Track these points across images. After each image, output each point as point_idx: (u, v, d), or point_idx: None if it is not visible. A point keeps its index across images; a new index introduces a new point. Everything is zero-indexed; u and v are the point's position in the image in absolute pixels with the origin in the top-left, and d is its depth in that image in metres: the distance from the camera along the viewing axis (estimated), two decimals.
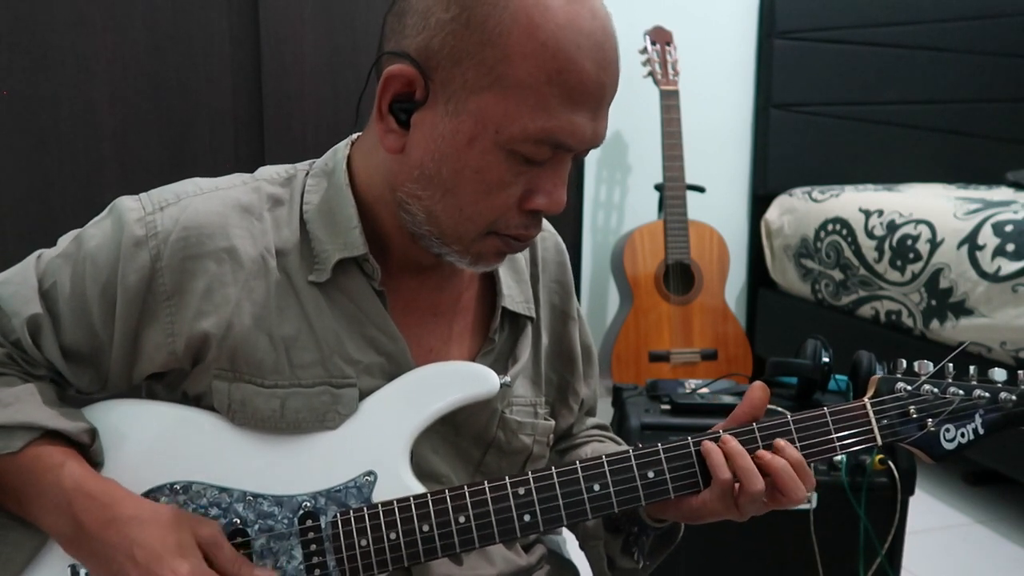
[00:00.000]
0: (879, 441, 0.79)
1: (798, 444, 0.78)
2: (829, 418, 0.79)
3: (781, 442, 0.76)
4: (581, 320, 0.98)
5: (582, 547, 0.94)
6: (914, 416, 0.79)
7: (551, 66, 0.67)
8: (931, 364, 0.81)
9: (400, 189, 0.75)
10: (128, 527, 0.70)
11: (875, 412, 0.79)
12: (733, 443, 0.76)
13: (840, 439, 0.78)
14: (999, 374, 0.81)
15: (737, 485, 0.75)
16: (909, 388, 0.80)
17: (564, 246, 0.97)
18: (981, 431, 0.80)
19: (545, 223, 0.97)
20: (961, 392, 0.80)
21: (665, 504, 0.78)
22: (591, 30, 0.68)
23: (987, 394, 0.80)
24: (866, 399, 0.80)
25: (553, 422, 0.92)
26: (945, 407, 0.80)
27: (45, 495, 0.72)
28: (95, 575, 0.73)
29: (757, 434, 0.77)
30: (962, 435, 0.79)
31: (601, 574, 0.92)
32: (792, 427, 0.78)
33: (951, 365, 0.81)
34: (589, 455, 0.94)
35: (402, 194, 0.75)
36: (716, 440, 0.77)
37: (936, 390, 0.80)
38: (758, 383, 0.79)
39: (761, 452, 0.76)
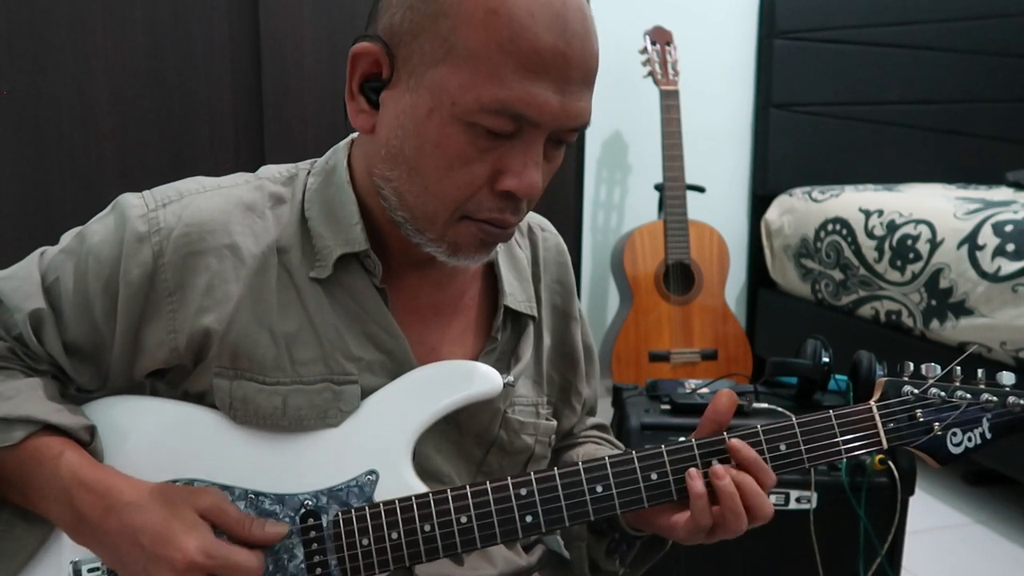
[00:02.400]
0: (885, 445, 0.78)
1: (803, 447, 0.77)
2: (835, 421, 0.78)
3: (719, 468, 0.75)
4: (583, 320, 0.98)
5: (566, 547, 0.94)
6: (920, 420, 0.78)
7: (503, 34, 0.65)
8: (938, 367, 0.80)
9: (374, 173, 0.75)
10: (127, 513, 0.70)
11: (881, 416, 0.79)
12: (725, 481, 0.74)
13: (845, 442, 0.78)
14: (1007, 378, 0.80)
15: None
16: (916, 391, 0.79)
17: (565, 247, 0.97)
18: (988, 435, 0.79)
19: (546, 223, 0.97)
20: (968, 396, 0.79)
21: (639, 515, 0.79)
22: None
23: (995, 398, 0.79)
24: (872, 402, 0.80)
25: (555, 422, 0.91)
26: (952, 411, 0.79)
27: (46, 486, 0.72)
28: (104, 561, 0.73)
29: (762, 437, 0.77)
30: (969, 439, 0.79)
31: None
32: (797, 430, 0.78)
33: (959, 368, 0.80)
34: (581, 456, 0.94)
35: (376, 177, 0.75)
36: (721, 447, 0.76)
37: (943, 394, 0.79)
38: (725, 390, 0.78)
39: (717, 469, 0.74)
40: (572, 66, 0.68)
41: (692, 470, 0.75)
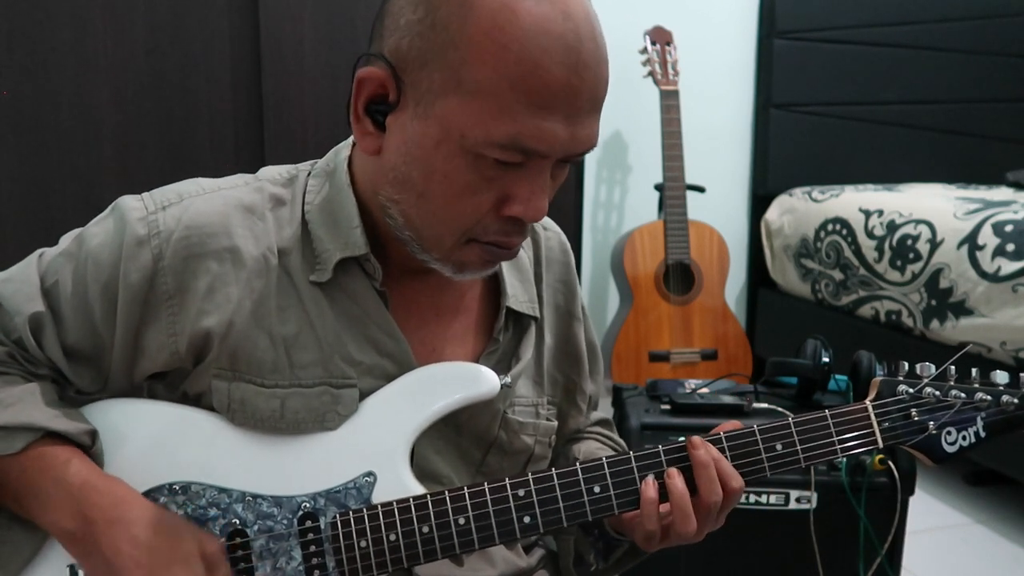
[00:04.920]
0: (880, 443, 0.79)
1: (799, 446, 0.78)
2: (830, 420, 0.79)
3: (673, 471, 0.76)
4: (586, 319, 0.98)
5: (554, 538, 0.94)
6: (915, 419, 0.79)
7: (514, 70, 0.64)
8: (933, 367, 0.81)
9: (380, 192, 0.75)
10: (134, 528, 0.70)
11: (876, 414, 0.79)
12: (676, 481, 0.75)
13: (841, 441, 0.78)
14: (1001, 377, 0.81)
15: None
16: (911, 391, 0.80)
17: (568, 245, 0.97)
18: (983, 434, 0.80)
19: (549, 221, 0.97)
20: (963, 395, 0.80)
21: (615, 516, 0.79)
22: (561, 32, 0.65)
23: (989, 397, 0.79)
24: (868, 401, 0.80)
25: (555, 423, 0.92)
26: (946, 410, 0.79)
27: (49, 492, 0.72)
28: (94, 573, 0.72)
29: (759, 436, 0.78)
30: (963, 438, 0.79)
31: (566, 569, 0.92)
32: (793, 429, 0.78)
33: (953, 368, 0.81)
34: (583, 452, 0.95)
35: (382, 197, 0.75)
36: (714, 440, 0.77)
37: (938, 393, 0.80)
38: (696, 438, 0.78)
39: (671, 471, 0.76)
40: (583, 97, 0.67)
41: (649, 478, 0.76)
